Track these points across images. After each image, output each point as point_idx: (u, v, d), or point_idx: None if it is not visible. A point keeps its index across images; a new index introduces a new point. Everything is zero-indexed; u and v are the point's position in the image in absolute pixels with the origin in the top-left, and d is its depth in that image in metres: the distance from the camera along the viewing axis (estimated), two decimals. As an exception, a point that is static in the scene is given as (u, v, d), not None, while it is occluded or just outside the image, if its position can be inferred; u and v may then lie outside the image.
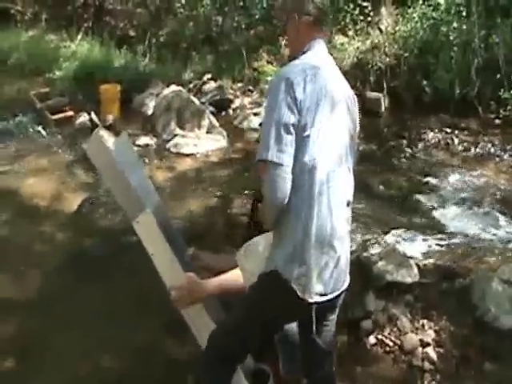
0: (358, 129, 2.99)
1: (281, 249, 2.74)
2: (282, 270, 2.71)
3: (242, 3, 12.85)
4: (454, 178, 7.40)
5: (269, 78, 10.15)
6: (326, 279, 2.75)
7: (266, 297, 2.84)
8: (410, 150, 8.31)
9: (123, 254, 5.51)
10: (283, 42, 10.93)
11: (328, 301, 2.80)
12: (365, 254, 5.07)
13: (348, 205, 2.83)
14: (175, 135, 8.74)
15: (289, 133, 2.61)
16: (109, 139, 3.32)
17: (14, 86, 10.29)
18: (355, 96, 2.97)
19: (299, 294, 2.71)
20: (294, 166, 2.64)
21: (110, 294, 4.87)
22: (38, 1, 14.28)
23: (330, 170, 2.69)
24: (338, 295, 2.88)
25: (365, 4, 10.63)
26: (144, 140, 8.59)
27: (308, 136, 2.63)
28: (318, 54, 2.88)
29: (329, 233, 2.70)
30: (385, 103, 9.51)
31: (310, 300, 2.75)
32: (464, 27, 9.53)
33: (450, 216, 6.40)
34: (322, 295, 2.76)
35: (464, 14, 9.63)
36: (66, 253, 5.67)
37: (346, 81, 2.93)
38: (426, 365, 4.06)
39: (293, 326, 3.35)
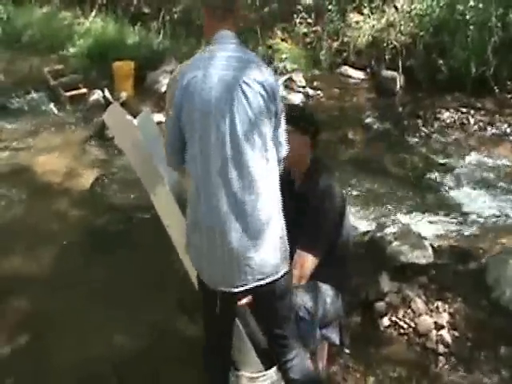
0: (263, 126, 2.64)
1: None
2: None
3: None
4: (469, 158, 7.36)
5: (283, 56, 10.12)
6: (209, 271, 2.75)
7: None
8: (425, 130, 8.24)
9: (136, 232, 5.53)
10: (297, 20, 10.85)
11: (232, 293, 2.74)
12: (379, 234, 5.06)
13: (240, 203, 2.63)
14: (188, 113, 8.67)
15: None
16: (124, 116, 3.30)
17: (27, 63, 10.23)
18: (271, 85, 2.63)
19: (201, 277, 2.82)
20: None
21: (123, 272, 4.89)
22: (51, -23, 14.20)
23: (203, 176, 2.65)
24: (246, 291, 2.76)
25: (380, -19, 10.52)
26: (157, 117, 8.52)
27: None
28: (211, 50, 2.70)
29: (207, 224, 2.67)
30: (400, 82, 9.42)
31: (210, 287, 2.78)
32: (480, 6, 9.40)
33: (465, 197, 6.36)
34: (218, 286, 2.74)
35: (481, -9, 9.52)
36: (80, 230, 5.68)
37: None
38: (441, 348, 4.05)
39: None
